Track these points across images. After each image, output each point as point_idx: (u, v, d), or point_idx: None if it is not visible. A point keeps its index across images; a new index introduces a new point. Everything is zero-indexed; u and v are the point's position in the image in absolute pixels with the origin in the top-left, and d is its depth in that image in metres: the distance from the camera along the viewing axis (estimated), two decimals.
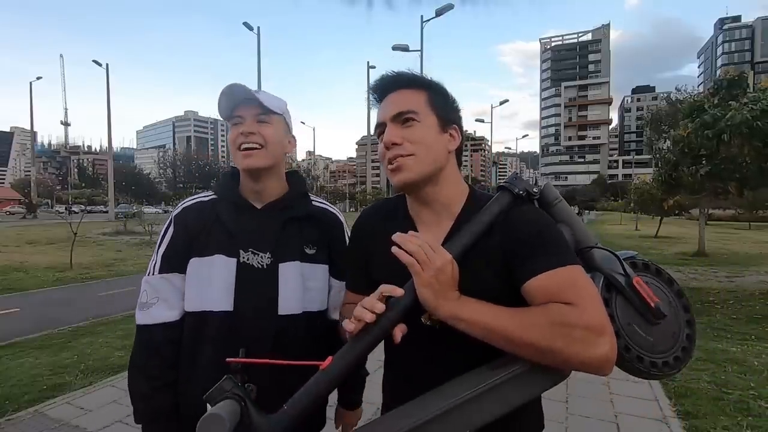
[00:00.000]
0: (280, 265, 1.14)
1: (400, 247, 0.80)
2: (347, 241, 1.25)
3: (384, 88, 0.97)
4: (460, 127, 0.99)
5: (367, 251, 1.03)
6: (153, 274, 1.15)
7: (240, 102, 1.14)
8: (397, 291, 0.81)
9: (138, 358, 1.14)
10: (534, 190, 0.93)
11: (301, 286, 1.16)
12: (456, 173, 0.98)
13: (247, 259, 1.13)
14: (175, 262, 1.14)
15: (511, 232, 0.87)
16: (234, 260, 1.12)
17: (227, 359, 0.74)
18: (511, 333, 0.76)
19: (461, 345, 0.82)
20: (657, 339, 0.87)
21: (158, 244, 1.18)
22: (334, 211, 1.31)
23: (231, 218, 1.15)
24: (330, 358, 0.79)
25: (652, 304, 0.86)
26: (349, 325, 0.80)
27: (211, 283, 1.11)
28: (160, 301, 1.13)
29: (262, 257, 1.13)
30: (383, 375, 1.05)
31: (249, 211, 1.18)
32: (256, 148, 1.13)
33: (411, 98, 0.93)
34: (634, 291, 0.87)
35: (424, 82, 0.97)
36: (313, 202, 1.27)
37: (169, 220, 1.20)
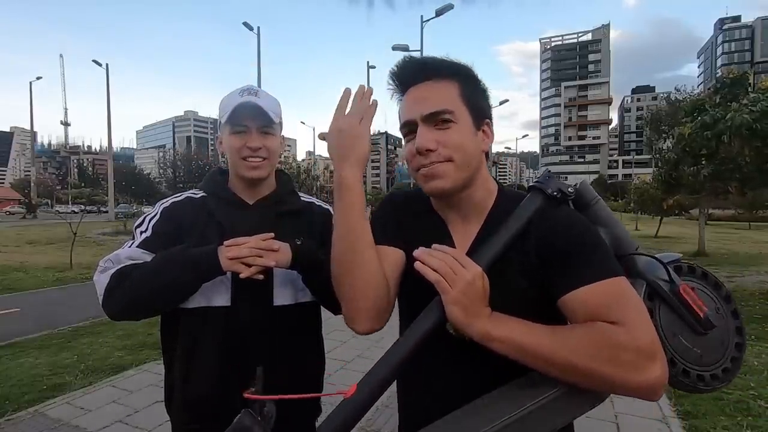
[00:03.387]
0: None
1: (423, 263, 0.74)
2: None
3: (409, 77, 0.85)
4: (491, 118, 0.89)
5: (403, 224, 0.94)
6: (130, 247, 1.13)
7: (247, 112, 1.15)
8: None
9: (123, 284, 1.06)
10: (569, 190, 0.86)
11: (294, 279, 1.19)
12: (486, 172, 0.90)
13: None
14: (152, 247, 1.13)
15: (547, 239, 0.80)
16: None
17: (245, 395, 0.72)
18: (551, 355, 0.69)
19: (491, 358, 0.74)
20: (704, 350, 0.80)
21: (138, 226, 1.18)
22: (323, 205, 1.34)
23: (224, 215, 1.17)
24: (354, 386, 0.73)
25: (701, 314, 0.78)
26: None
27: (212, 282, 1.11)
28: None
29: None
30: (397, 386, 0.97)
31: (241, 207, 1.20)
32: (260, 160, 1.17)
33: (444, 93, 0.83)
34: (680, 300, 0.79)
35: (455, 68, 0.85)
36: (302, 198, 1.31)
37: (155, 211, 1.20)
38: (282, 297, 1.17)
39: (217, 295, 1.13)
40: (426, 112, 0.82)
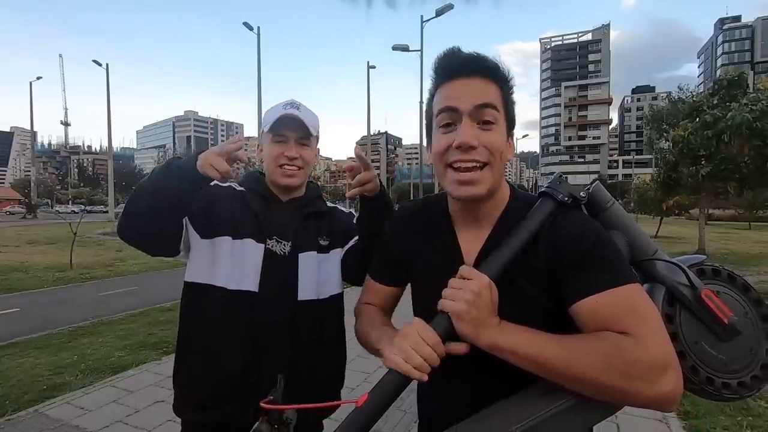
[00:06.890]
0: (300, 254, 1.24)
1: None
2: None
3: (461, 66, 0.82)
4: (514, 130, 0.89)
5: (404, 250, 0.97)
6: None
7: (288, 124, 1.23)
8: (460, 349, 0.74)
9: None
10: (581, 194, 0.83)
11: (317, 275, 1.25)
12: (503, 180, 0.89)
13: (272, 246, 1.22)
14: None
15: (557, 248, 0.78)
16: (262, 246, 1.21)
17: (261, 403, 0.72)
18: (560, 367, 0.68)
19: (504, 365, 0.73)
20: (730, 357, 0.77)
21: None
22: (345, 210, 1.43)
23: (260, 208, 1.25)
24: (365, 395, 0.72)
25: (726, 320, 0.75)
26: (392, 360, 0.72)
27: (242, 264, 1.18)
28: None
29: (284, 245, 1.24)
30: (417, 393, 0.98)
31: (276, 203, 1.28)
32: (296, 169, 1.25)
33: (492, 92, 0.81)
34: (702, 305, 0.77)
35: (503, 73, 0.83)
36: (327, 203, 1.42)
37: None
38: (306, 292, 1.22)
39: (248, 280, 1.18)
40: (477, 102, 0.79)
